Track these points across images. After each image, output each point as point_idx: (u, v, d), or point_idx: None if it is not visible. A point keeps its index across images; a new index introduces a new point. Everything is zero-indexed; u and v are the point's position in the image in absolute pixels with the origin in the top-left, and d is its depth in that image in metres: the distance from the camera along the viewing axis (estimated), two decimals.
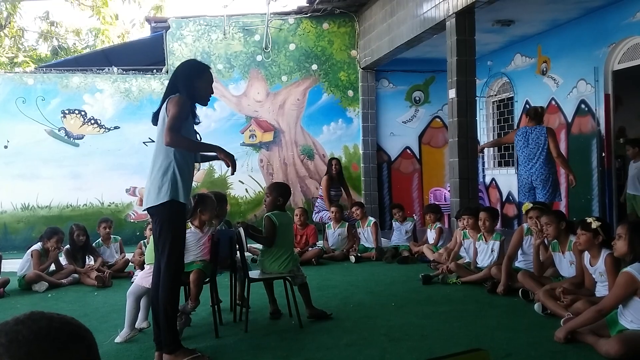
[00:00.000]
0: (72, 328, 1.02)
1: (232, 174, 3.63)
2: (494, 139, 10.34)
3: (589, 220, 4.12)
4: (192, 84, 3.63)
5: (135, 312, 4.19)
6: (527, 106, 9.14)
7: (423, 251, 7.40)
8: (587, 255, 4.21)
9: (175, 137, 3.40)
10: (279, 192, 4.60)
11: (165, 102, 3.56)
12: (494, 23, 8.51)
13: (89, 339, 1.04)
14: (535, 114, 6.88)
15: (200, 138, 3.90)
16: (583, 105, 8.47)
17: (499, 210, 9.56)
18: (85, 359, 1.01)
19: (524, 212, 5.67)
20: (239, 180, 10.56)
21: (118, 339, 4.08)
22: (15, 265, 6.64)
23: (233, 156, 3.60)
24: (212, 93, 3.75)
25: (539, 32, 9.18)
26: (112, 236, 7.36)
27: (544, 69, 9.28)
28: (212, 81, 3.74)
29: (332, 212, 8.06)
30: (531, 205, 5.54)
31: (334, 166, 8.70)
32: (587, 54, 8.31)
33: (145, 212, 3.65)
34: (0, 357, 0.95)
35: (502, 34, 9.27)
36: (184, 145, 3.50)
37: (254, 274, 4.52)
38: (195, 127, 3.77)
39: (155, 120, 3.68)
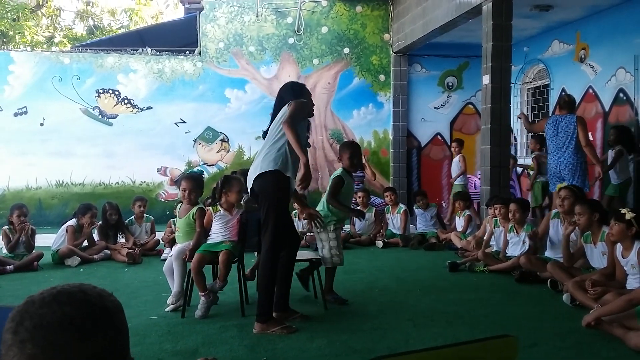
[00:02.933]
0: (101, 312, 0.98)
1: (302, 190, 3.90)
2: (529, 122, 10.12)
3: (623, 211, 4.04)
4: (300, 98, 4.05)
5: (184, 270, 4.42)
6: (563, 94, 8.94)
7: (451, 238, 7.36)
8: (619, 247, 4.13)
9: (291, 124, 3.73)
10: (352, 150, 4.66)
11: (285, 107, 3.94)
12: (532, 8, 8.31)
13: (118, 322, 1.00)
14: (565, 103, 6.77)
15: (309, 146, 4.41)
16: (621, 94, 8.25)
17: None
18: (111, 346, 0.97)
19: (557, 190, 5.60)
20: None
21: (170, 300, 4.40)
22: (49, 240, 6.82)
23: (310, 177, 3.78)
24: (314, 105, 4.25)
25: (578, 18, 8.93)
26: (145, 215, 7.47)
27: (582, 56, 9.05)
28: (311, 95, 4.25)
29: (359, 197, 8.04)
30: (565, 184, 5.48)
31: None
32: (627, 42, 8.06)
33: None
34: (24, 342, 0.92)
35: (540, 20, 9.05)
36: (292, 135, 3.71)
37: None
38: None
39: (265, 135, 4.05)
